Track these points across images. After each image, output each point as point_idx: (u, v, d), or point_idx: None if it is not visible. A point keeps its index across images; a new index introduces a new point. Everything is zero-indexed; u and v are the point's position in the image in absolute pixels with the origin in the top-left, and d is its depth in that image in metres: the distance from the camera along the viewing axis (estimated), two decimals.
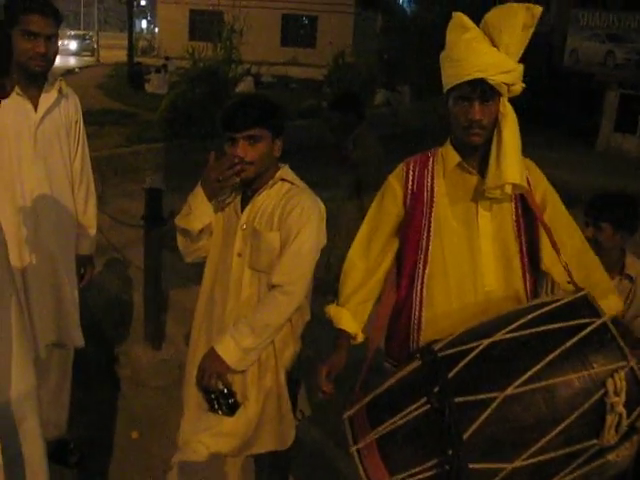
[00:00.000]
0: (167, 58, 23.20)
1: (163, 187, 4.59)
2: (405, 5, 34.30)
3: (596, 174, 14.26)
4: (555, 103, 21.09)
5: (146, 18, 77.40)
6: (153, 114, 13.87)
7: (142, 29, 70.75)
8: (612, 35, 19.87)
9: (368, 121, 5.53)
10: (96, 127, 13.35)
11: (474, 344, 1.92)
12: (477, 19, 2.18)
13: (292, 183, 2.60)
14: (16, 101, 2.91)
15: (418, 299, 2.28)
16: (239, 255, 2.59)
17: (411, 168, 2.38)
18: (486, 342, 1.91)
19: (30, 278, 3.07)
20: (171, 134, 12.47)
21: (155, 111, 13.70)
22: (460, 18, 2.18)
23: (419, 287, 2.28)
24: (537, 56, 23.61)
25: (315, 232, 2.52)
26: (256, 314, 2.48)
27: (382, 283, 2.45)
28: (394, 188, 2.38)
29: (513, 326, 1.91)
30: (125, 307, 5.44)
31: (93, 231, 3.46)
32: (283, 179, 2.60)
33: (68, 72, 27.45)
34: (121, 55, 27.71)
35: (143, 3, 67.58)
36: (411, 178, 2.36)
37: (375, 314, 2.47)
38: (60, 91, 3.10)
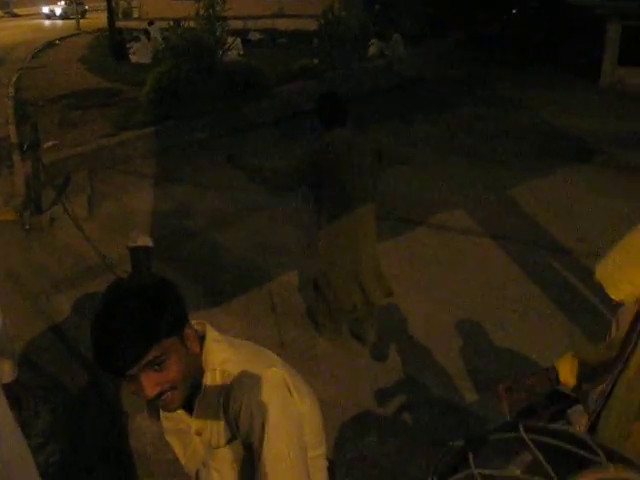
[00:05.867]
0: (150, 23, 22.27)
1: (150, 243, 4.02)
2: None
3: (606, 116, 13.66)
4: (556, 39, 20.37)
5: None
6: (139, 90, 13.24)
7: None
8: None
9: (349, 129, 4.91)
10: (80, 112, 12.78)
11: None
12: None
13: (223, 370, 1.92)
14: None
15: None
16: (204, 466, 2.04)
17: None
18: None
19: None
20: (159, 115, 11.87)
21: (141, 86, 13.09)
22: None
23: None
24: None
25: (283, 425, 1.88)
26: None
27: None
28: None
29: None
30: None
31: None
32: (212, 369, 1.93)
33: (49, 44, 26.64)
34: (105, 18, 26.75)
35: None
36: None
37: None
38: None
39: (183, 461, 2.19)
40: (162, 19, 20.88)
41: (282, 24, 25.65)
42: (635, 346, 1.97)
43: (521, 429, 1.78)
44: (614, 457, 1.70)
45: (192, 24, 14.62)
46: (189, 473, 2.21)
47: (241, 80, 13.05)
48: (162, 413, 2.15)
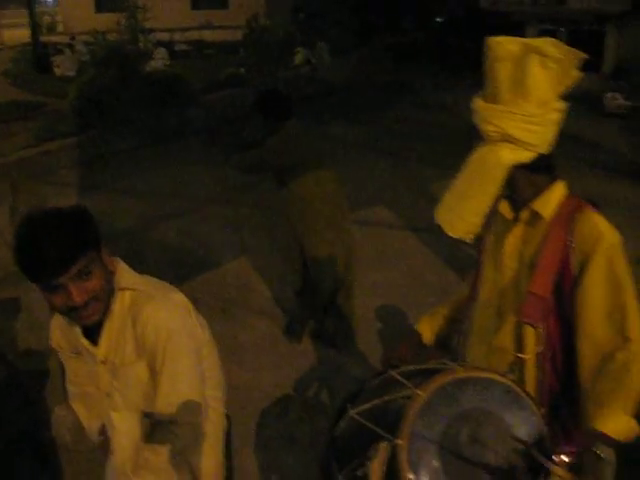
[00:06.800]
0: (73, 37, 22.08)
1: None
2: None
3: None
4: (477, 45, 20.92)
5: None
6: (63, 102, 13.11)
7: (46, 2, 67.76)
8: None
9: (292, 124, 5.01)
10: (2, 125, 12.57)
11: None
12: None
13: (133, 289, 2.09)
14: None
15: None
16: (108, 395, 2.14)
17: None
18: None
19: None
20: (83, 125, 11.78)
21: (65, 98, 12.96)
22: None
23: None
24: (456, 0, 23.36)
25: (184, 342, 2.06)
26: (158, 456, 2.02)
27: None
28: None
29: None
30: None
31: None
32: (122, 288, 2.09)
33: None
34: (28, 34, 26.33)
35: None
36: None
37: None
38: None
39: (86, 423, 2.27)
40: (87, 32, 20.71)
41: (209, 35, 25.66)
42: (480, 274, 2.20)
43: (390, 370, 1.96)
44: (465, 366, 1.89)
45: (116, 36, 14.61)
46: (93, 439, 2.29)
47: (165, 89, 13.07)
48: (67, 379, 2.24)
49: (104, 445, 2.24)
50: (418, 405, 1.75)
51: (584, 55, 1.88)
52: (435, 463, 1.73)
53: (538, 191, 2.04)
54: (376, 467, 1.69)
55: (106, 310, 2.05)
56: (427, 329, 2.49)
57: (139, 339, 2.03)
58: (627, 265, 1.94)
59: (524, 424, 1.83)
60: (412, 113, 14.43)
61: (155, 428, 2.09)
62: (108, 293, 2.03)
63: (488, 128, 1.90)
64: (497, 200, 2.04)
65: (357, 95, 17.35)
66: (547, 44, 1.84)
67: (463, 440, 1.77)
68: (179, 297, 2.14)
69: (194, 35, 25.83)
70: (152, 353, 2.02)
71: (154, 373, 2.05)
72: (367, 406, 1.91)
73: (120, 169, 10.67)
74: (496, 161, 1.90)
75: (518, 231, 2.09)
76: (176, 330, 2.04)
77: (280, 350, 5.22)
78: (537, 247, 2.02)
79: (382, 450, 1.73)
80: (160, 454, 2.01)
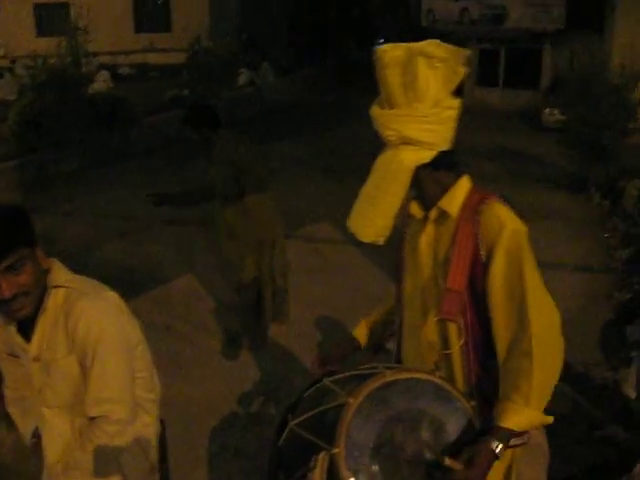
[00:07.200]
0: (13, 61, 21.83)
1: None
2: None
3: (466, 132, 14.37)
4: None
5: None
6: (3, 126, 12.92)
7: None
8: None
9: (225, 132, 5.17)
10: None
11: None
12: None
13: (67, 287, 2.13)
14: None
15: None
16: (39, 392, 2.16)
17: None
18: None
19: None
20: (24, 148, 11.63)
21: (5, 122, 12.78)
22: None
23: None
24: (396, 18, 23.76)
25: (115, 337, 2.10)
26: (86, 454, 2.05)
27: None
28: None
29: None
30: None
31: None
32: (56, 286, 2.13)
33: None
34: None
35: None
36: None
37: None
38: None
39: (22, 428, 2.27)
40: (28, 56, 20.47)
41: (153, 58, 25.59)
42: (402, 274, 2.26)
43: (324, 379, 2.02)
44: (393, 369, 1.96)
45: (57, 59, 14.46)
46: (26, 442, 2.28)
47: (108, 111, 13.00)
48: (4, 384, 2.25)
49: (37, 449, 2.23)
50: (351, 413, 1.80)
51: (468, 52, 1.96)
52: (373, 466, 1.78)
53: (444, 189, 2.09)
54: (317, 477, 1.74)
55: (39, 307, 2.09)
56: (362, 333, 2.52)
57: (70, 334, 2.06)
58: (530, 251, 1.99)
59: (455, 418, 1.90)
60: (357, 131, 14.59)
61: (86, 426, 2.09)
62: (41, 289, 2.07)
63: (387, 133, 1.98)
64: (407, 201, 2.10)
65: (302, 114, 17.53)
66: (431, 45, 1.91)
67: (398, 441, 1.82)
68: (112, 296, 2.18)
69: (138, 58, 25.75)
70: (83, 348, 2.05)
71: (84, 368, 2.07)
72: (306, 416, 1.96)
73: (63, 191, 10.58)
74: (399, 164, 1.97)
75: (430, 230, 2.14)
76: (107, 327, 2.07)
77: (224, 364, 5.24)
78: (448, 244, 2.07)
79: (321, 460, 1.78)
80: (89, 453, 2.03)
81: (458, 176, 2.12)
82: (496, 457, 1.84)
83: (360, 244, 7.12)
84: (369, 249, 7.36)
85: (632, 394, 3.52)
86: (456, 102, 1.99)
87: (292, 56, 21.78)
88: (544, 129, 15.55)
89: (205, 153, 5.18)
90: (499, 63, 20.16)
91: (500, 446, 1.84)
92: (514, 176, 11.20)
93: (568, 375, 4.57)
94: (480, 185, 2.15)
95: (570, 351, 4.72)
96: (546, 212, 9.18)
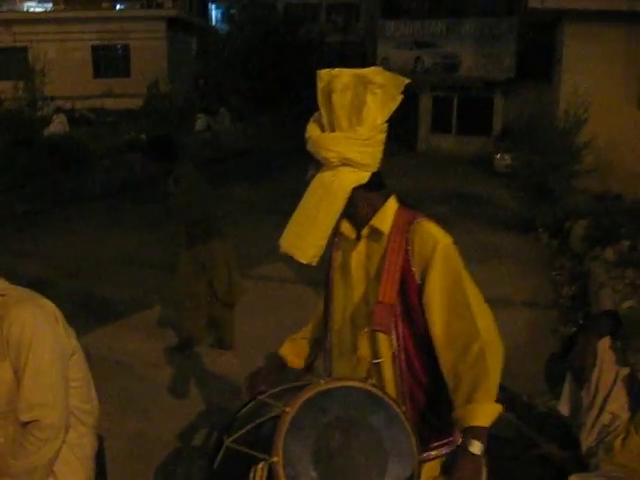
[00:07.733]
0: None
1: None
2: (218, 25, 34.18)
3: (421, 177, 14.91)
4: None
5: None
6: None
7: None
8: (419, 42, 20.68)
9: (186, 161, 5.37)
10: None
11: None
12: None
13: (3, 295, 2.18)
14: None
15: None
16: None
17: None
18: None
19: None
20: None
21: None
22: None
23: None
24: (352, 66, 24.22)
25: (49, 342, 2.14)
26: (19, 460, 2.05)
27: None
28: None
29: None
30: None
31: None
32: None
33: None
34: None
35: None
36: None
37: None
38: None
39: None
40: None
41: (111, 103, 25.66)
42: (332, 292, 2.33)
43: (258, 397, 2.07)
44: (327, 379, 2.02)
45: (14, 102, 14.52)
46: None
47: (64, 154, 13.00)
48: None
49: None
50: (287, 421, 1.85)
51: (407, 80, 2.06)
52: (312, 473, 1.82)
53: (375, 208, 2.19)
54: None
55: None
56: (289, 352, 2.54)
57: (5, 337, 2.08)
58: (462, 261, 2.09)
59: (388, 423, 1.96)
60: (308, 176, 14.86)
61: (19, 433, 2.10)
62: None
63: (328, 155, 2.04)
64: (339, 221, 2.17)
65: (258, 160, 17.71)
66: (373, 73, 2.03)
67: (335, 447, 1.87)
68: (48, 304, 2.23)
69: (96, 103, 25.79)
70: (16, 352, 2.07)
71: (18, 372, 2.08)
72: (241, 432, 1.99)
73: (16, 233, 10.49)
74: (339, 184, 2.05)
75: (361, 247, 2.23)
76: (41, 331, 2.11)
77: (171, 399, 5.24)
78: (380, 260, 2.16)
79: (260, 471, 1.82)
80: (21, 458, 2.03)
81: (387, 196, 2.22)
82: (480, 457, 1.91)
83: (310, 284, 7.21)
84: (319, 288, 7.43)
85: (566, 411, 3.62)
86: (386, 126, 2.08)
87: (250, 102, 22.02)
88: (495, 174, 15.96)
89: (165, 187, 5.32)
90: (452, 110, 20.71)
91: (478, 444, 1.91)
92: (465, 218, 11.46)
93: (513, 405, 4.68)
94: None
95: (517, 382, 4.85)
96: (496, 252, 9.40)
